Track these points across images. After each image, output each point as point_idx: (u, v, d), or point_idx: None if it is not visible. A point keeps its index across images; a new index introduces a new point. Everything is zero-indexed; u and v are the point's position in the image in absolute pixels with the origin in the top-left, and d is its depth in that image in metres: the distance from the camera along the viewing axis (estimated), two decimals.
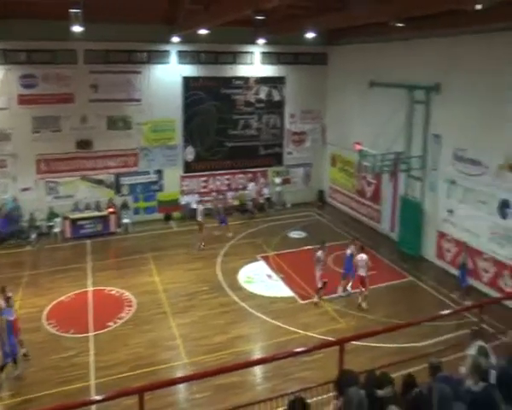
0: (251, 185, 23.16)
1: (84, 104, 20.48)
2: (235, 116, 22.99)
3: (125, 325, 13.64)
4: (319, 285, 14.74)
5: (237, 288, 15.77)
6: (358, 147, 18.28)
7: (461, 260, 15.22)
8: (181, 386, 11.08)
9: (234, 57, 22.59)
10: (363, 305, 14.52)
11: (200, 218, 19.36)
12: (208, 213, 20.86)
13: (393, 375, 5.17)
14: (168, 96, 21.52)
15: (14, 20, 17.92)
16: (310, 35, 18.30)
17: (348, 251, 15.40)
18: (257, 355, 12.71)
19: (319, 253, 14.86)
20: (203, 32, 17.75)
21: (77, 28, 15.25)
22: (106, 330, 13.40)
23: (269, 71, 23.26)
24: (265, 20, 13.78)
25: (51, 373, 11.64)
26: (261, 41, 20.64)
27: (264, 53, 22.91)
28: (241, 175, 23.59)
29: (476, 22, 14.01)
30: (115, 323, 13.70)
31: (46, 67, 19.77)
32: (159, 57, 21.38)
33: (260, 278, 16.46)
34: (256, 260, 17.89)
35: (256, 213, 22.68)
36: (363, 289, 14.64)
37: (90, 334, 13.20)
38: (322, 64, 23.93)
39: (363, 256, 14.75)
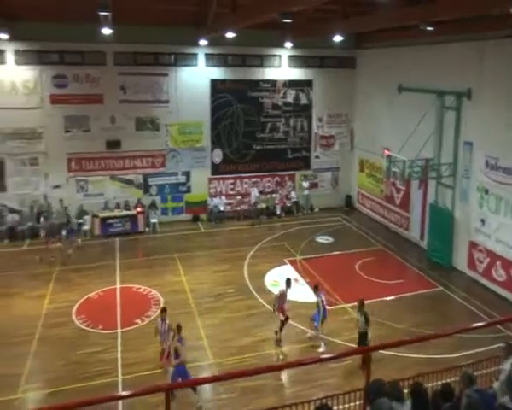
0: (254, 190, 22.93)
1: (113, 105, 20.88)
2: (262, 119, 23.04)
3: (152, 323, 13.77)
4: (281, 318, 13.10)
5: (264, 291, 15.74)
6: (387, 152, 18.11)
7: None
8: (207, 386, 11.17)
9: (261, 60, 22.64)
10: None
11: None
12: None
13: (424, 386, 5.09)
14: (196, 99, 21.71)
15: (47, 22, 18.44)
16: (337, 38, 18.16)
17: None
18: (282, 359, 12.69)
19: (283, 290, 13.36)
20: (230, 34, 17.87)
21: (106, 30, 15.64)
22: (133, 327, 13.59)
23: (296, 74, 23.23)
24: (292, 23, 13.76)
25: (79, 367, 11.87)
26: (288, 44, 20.70)
27: (291, 56, 22.89)
28: (268, 178, 23.62)
29: (509, 26, 13.72)
30: (142, 321, 13.87)
31: (77, 68, 20.30)
32: (186, 60, 21.63)
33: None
34: (283, 263, 17.86)
35: (256, 220, 22.36)
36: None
37: (118, 330, 13.42)
38: (349, 68, 23.76)
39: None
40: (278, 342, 13.05)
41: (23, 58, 19.89)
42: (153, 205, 21.60)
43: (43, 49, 19.89)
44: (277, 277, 16.69)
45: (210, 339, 13.05)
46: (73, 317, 14.18)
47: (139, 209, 21.00)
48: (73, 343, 12.89)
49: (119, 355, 12.38)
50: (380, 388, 4.82)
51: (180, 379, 10.46)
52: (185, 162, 22.19)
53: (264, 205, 23.02)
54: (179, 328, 11.15)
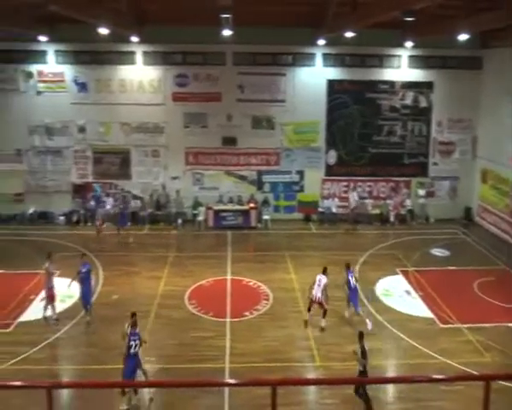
0: (353, 195, 22.14)
1: (230, 103, 21.53)
2: (379, 121, 22.29)
3: (261, 317, 14.00)
4: None
5: (374, 299, 15.25)
6: None
7: None
8: (312, 388, 11.06)
9: (380, 60, 21.88)
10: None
11: None
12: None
13: None
14: (312, 99, 21.61)
15: (172, 26, 19.58)
16: (462, 37, 16.84)
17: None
18: (389, 373, 12.18)
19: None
20: (349, 34, 17.47)
21: (226, 32, 16.17)
22: (242, 318, 13.89)
23: (416, 75, 22.10)
24: (413, 21, 13.08)
25: (189, 349, 12.44)
26: (409, 44, 19.78)
27: (411, 56, 21.80)
28: (382, 183, 22.84)
29: None
30: (251, 314, 14.12)
31: (198, 67, 21.28)
32: (304, 60, 21.60)
33: (398, 293, 15.73)
34: (395, 273, 17.12)
35: (356, 227, 21.52)
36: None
37: (227, 320, 13.79)
38: (475, 69, 21.93)
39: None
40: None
41: (150, 59, 21.40)
42: (265, 202, 21.94)
43: (168, 50, 21.20)
44: (388, 286, 16.10)
45: (317, 341, 12.89)
46: (186, 301, 14.88)
47: (252, 205, 21.45)
48: (185, 326, 13.54)
49: (227, 344, 12.72)
50: None
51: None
52: (299, 162, 22.22)
53: (377, 211, 22.31)
54: (134, 321, 10.66)
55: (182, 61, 21.37)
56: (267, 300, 14.98)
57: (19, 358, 12.03)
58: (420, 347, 12.74)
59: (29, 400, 9.13)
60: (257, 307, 14.50)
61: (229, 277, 16.47)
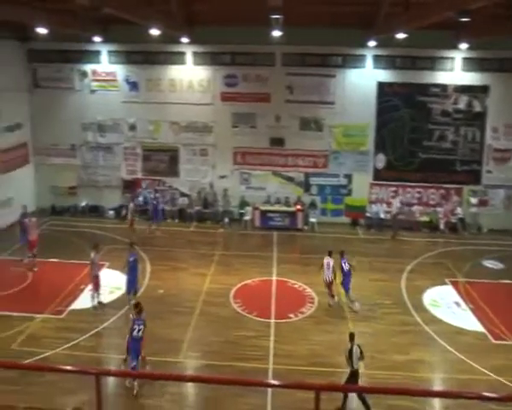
0: (395, 201, 21.62)
1: (279, 104, 21.50)
2: (429, 126, 21.60)
3: (305, 319, 13.90)
4: None
5: (421, 309, 14.81)
6: None
7: None
8: (355, 396, 10.85)
9: (432, 63, 21.15)
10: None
11: None
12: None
13: None
14: (361, 101, 21.28)
15: (221, 26, 19.71)
16: None
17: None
18: (436, 386, 11.79)
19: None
20: (401, 35, 17.04)
21: (276, 33, 16.13)
22: (287, 320, 13.83)
23: (470, 78, 21.24)
24: (469, 21, 12.52)
25: (233, 347, 12.50)
26: (463, 45, 19.08)
27: (465, 59, 20.96)
28: (432, 190, 22.19)
29: None
30: (296, 316, 14.03)
31: (247, 68, 21.36)
32: (354, 61, 21.28)
33: (447, 304, 15.21)
34: (444, 283, 16.56)
35: (398, 233, 20.84)
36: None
37: (272, 320, 13.78)
38: None
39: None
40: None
41: (199, 59, 21.69)
42: (313, 204, 21.79)
43: (217, 51, 21.39)
44: (437, 296, 15.61)
45: (363, 348, 12.58)
46: (231, 299, 14.97)
47: (299, 207, 21.35)
48: (229, 324, 13.63)
49: (271, 345, 12.70)
50: None
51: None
52: (347, 165, 21.93)
53: (426, 218, 21.69)
54: (139, 309, 11.19)
55: (231, 62, 21.56)
56: (312, 303, 14.86)
57: (69, 344, 12.52)
58: (469, 361, 12.29)
59: (79, 385, 9.44)
60: (302, 310, 14.41)
61: (274, 277, 16.45)
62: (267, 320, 13.80)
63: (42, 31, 17.52)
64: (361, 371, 10.81)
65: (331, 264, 14.63)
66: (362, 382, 11.35)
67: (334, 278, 14.64)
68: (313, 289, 15.61)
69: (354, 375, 10.52)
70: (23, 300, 14.81)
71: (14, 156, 21.56)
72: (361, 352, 10.65)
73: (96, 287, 14.47)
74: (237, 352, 12.33)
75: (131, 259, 14.44)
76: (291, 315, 14.07)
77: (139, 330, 10.94)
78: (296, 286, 15.95)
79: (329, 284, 14.62)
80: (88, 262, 14.89)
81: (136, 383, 10.67)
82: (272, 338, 12.98)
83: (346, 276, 14.59)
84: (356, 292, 15.50)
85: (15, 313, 13.95)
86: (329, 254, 14.91)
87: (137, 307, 11.31)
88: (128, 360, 10.97)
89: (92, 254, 14.60)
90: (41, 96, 22.50)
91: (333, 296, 14.64)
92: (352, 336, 10.94)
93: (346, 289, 14.56)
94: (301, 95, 21.44)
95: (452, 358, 12.46)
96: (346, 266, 14.68)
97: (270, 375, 11.50)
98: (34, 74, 22.54)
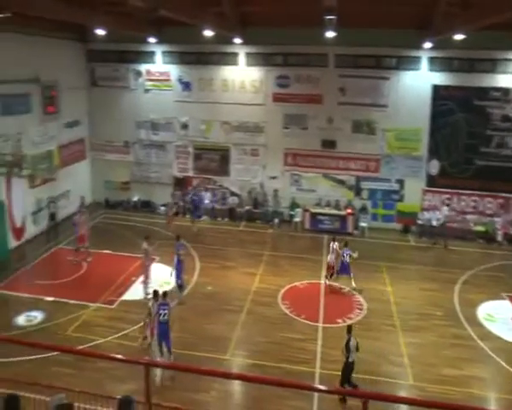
0: (443, 209, 20.83)
1: (331, 106, 21.26)
2: (488, 132, 20.63)
3: (353, 325, 13.64)
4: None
5: (475, 323, 14.22)
6: None
7: None
8: (404, 407, 10.57)
9: (493, 65, 20.13)
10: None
11: None
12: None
13: None
14: (415, 105, 20.67)
15: (274, 27, 19.70)
16: None
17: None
18: (491, 405, 11.21)
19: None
20: (459, 36, 16.39)
21: (329, 34, 15.92)
22: (334, 325, 13.65)
23: None
24: None
25: (280, 349, 12.48)
26: None
27: None
28: (489, 199, 21.29)
29: None
30: (344, 321, 13.79)
31: (299, 69, 21.23)
32: (408, 63, 20.66)
33: (504, 320, 14.48)
34: (500, 297, 15.83)
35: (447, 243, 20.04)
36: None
37: (320, 325, 13.66)
38: None
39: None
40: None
41: (252, 60, 21.76)
42: (363, 209, 21.42)
43: (270, 51, 21.38)
44: (492, 311, 14.92)
45: (411, 359, 12.31)
46: (279, 300, 14.95)
47: (349, 211, 21.08)
48: (277, 325, 13.61)
49: (318, 349, 12.59)
50: None
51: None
52: (399, 170, 21.37)
53: (481, 228, 20.84)
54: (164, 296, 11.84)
55: (283, 63, 21.50)
56: (360, 309, 14.62)
57: (120, 333, 12.92)
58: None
59: (128, 373, 9.71)
60: (350, 316, 14.18)
61: (323, 281, 16.27)
62: (315, 324, 13.69)
63: (100, 32, 18.33)
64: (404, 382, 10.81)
65: (335, 247, 15.78)
66: (411, 394, 11.09)
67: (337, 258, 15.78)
68: (362, 295, 15.39)
69: (349, 366, 10.85)
70: (78, 288, 15.47)
71: (72, 151, 22.54)
72: (357, 344, 10.96)
73: (147, 277, 14.96)
74: (284, 354, 12.31)
75: (180, 251, 14.98)
76: (339, 320, 13.88)
77: (165, 315, 11.52)
78: (345, 291, 15.74)
79: (329, 267, 15.81)
80: (139, 256, 15.26)
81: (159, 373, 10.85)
82: (320, 342, 12.86)
83: (344, 267, 15.57)
84: (405, 301, 15.32)
85: (72, 301, 14.61)
86: (333, 240, 16.15)
87: (157, 295, 11.92)
88: (149, 340, 11.69)
89: (145, 245, 15.17)
90: (98, 94, 23.37)
91: (329, 277, 15.85)
92: (349, 329, 11.20)
93: (349, 274, 15.57)
94: (354, 97, 21.10)
95: (509, 375, 11.89)
96: (346, 258, 15.51)
97: (317, 379, 11.38)
98: (92, 73, 23.43)
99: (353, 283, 15.58)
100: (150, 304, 11.95)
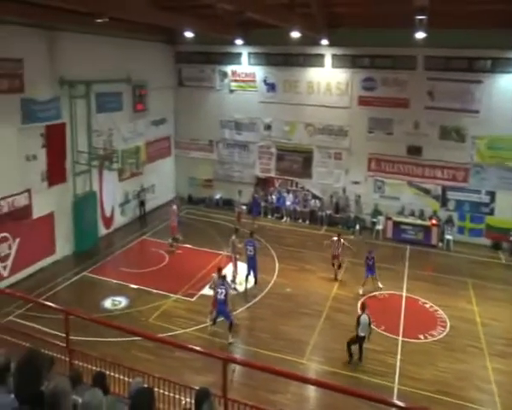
0: None
1: (418, 110, 20.45)
2: None
3: (435, 343, 13.07)
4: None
5: None
6: None
7: None
8: None
9: None
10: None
11: None
12: None
13: None
14: (511, 111, 19.14)
15: (360, 29, 19.28)
16: None
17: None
18: None
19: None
20: None
21: (419, 35, 15.22)
22: (415, 340, 13.17)
23: None
24: None
25: (357, 359, 12.14)
26: None
27: None
28: None
29: None
30: (425, 338, 13.29)
31: (386, 71, 20.62)
32: (504, 66, 19.19)
33: None
34: None
35: None
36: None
37: (399, 338, 13.21)
38: None
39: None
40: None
41: (338, 62, 21.45)
42: (449, 221, 20.36)
43: (356, 53, 20.95)
44: None
45: (500, 387, 11.49)
46: (358, 309, 14.54)
47: (434, 222, 20.15)
48: (354, 334, 13.26)
49: (397, 363, 12.19)
50: None
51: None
52: (491, 181, 19.98)
53: None
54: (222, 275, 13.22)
55: (369, 65, 21.02)
56: (443, 327, 13.91)
57: (198, 326, 13.34)
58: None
59: (205, 366, 9.91)
60: (432, 332, 13.57)
61: (404, 293, 15.74)
62: (395, 337, 13.25)
63: (189, 34, 19.00)
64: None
65: (335, 239, 16.76)
66: None
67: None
68: (446, 312, 14.62)
69: (359, 340, 12.05)
70: (160, 279, 16.17)
71: (158, 148, 23.65)
72: (369, 321, 12.01)
73: (235, 268, 15.75)
74: (361, 364, 12.05)
75: (249, 247, 15.46)
76: (420, 336, 13.35)
77: (221, 294, 12.74)
78: (427, 306, 15.05)
79: (334, 257, 16.76)
80: (219, 252, 15.53)
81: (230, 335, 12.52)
82: (399, 357, 12.44)
83: (371, 268, 15.83)
84: (494, 322, 14.37)
85: (154, 290, 15.30)
86: (339, 236, 17.13)
87: (219, 272, 13.37)
88: (213, 313, 13.07)
89: (233, 237, 15.94)
90: (184, 94, 24.25)
91: (335, 266, 16.74)
92: (362, 306, 12.44)
93: (373, 273, 15.87)
94: (443, 101, 20.08)
95: None
96: (370, 262, 15.94)
97: (395, 394, 11.00)
98: (179, 74, 24.36)
99: (379, 283, 15.80)
100: (215, 277, 13.47)
